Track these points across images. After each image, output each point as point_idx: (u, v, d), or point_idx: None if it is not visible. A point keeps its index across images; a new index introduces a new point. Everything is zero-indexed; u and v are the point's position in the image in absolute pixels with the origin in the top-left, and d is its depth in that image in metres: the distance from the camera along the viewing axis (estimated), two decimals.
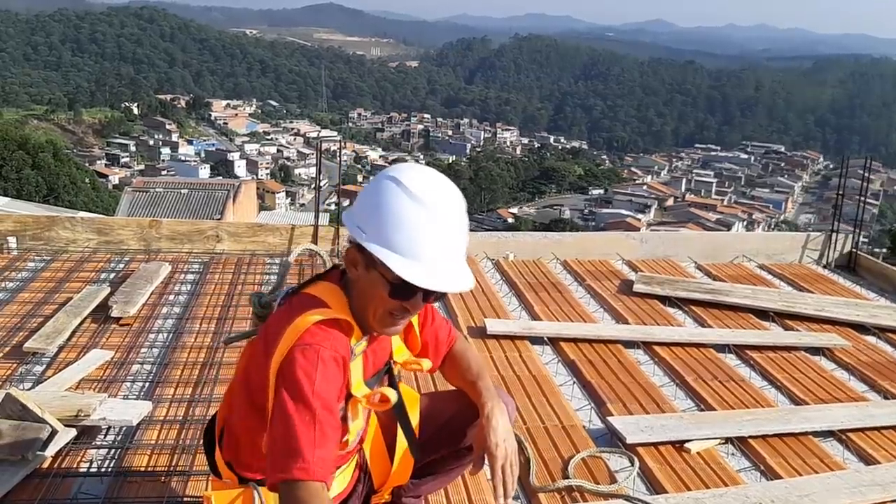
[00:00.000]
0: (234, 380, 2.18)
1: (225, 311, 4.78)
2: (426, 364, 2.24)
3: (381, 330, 1.99)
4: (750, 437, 3.52)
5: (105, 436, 3.23)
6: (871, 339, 5.03)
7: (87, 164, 66.35)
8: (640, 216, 74.52)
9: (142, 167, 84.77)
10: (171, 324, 4.57)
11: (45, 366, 3.90)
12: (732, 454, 3.43)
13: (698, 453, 3.37)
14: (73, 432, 3.09)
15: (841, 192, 6.84)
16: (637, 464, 3.24)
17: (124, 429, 3.26)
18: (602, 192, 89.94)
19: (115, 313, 4.53)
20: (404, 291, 1.86)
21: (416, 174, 1.87)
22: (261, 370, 1.91)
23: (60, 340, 4.11)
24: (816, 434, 3.62)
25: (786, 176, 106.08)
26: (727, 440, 3.50)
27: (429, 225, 1.82)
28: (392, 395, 2.02)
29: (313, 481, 1.75)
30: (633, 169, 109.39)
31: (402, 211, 1.81)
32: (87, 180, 43.35)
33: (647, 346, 4.63)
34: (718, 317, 5.23)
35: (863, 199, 6.64)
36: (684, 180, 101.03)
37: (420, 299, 1.90)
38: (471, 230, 2.23)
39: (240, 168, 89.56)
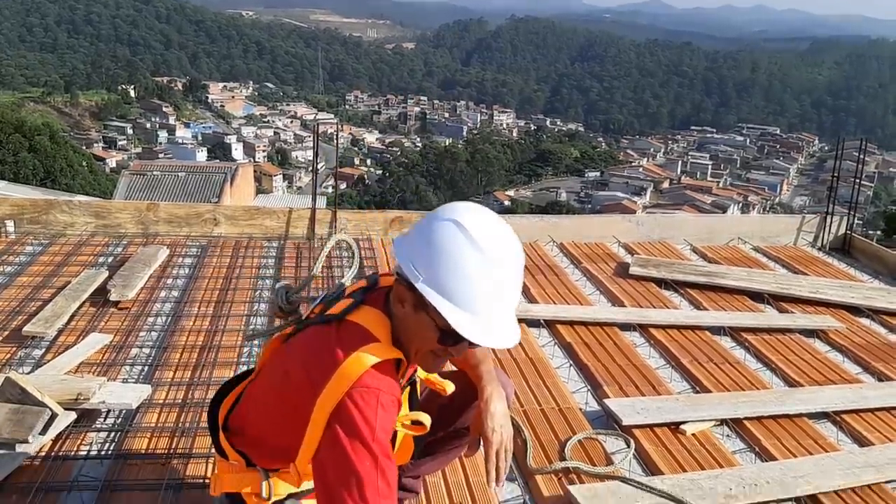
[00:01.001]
0: (261, 379, 2.13)
1: (223, 295, 4.80)
2: (449, 387, 2.24)
3: (419, 367, 1.98)
4: (745, 418, 3.56)
5: (105, 419, 3.25)
6: (865, 321, 5.06)
7: (84, 147, 65.96)
8: (636, 199, 74.41)
9: (139, 150, 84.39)
10: (170, 307, 4.59)
11: (44, 349, 3.91)
12: (727, 436, 3.46)
13: (693, 435, 3.40)
14: (72, 416, 3.11)
15: (836, 175, 6.85)
16: (633, 445, 3.27)
17: (124, 412, 3.28)
18: (598, 174, 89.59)
19: (113, 297, 4.55)
20: (453, 339, 1.83)
21: (479, 219, 1.81)
22: (301, 396, 1.86)
23: (59, 324, 4.12)
24: (811, 416, 3.66)
25: (781, 158, 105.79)
26: (722, 422, 3.53)
27: (488, 277, 1.77)
28: (426, 420, 2.01)
29: None
30: (629, 151, 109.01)
31: (464, 259, 1.76)
32: (84, 163, 43.26)
33: (643, 328, 4.65)
34: (714, 299, 5.25)
35: (858, 181, 6.65)
36: (680, 163, 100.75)
37: (466, 346, 1.87)
38: None
39: (237, 151, 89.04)
